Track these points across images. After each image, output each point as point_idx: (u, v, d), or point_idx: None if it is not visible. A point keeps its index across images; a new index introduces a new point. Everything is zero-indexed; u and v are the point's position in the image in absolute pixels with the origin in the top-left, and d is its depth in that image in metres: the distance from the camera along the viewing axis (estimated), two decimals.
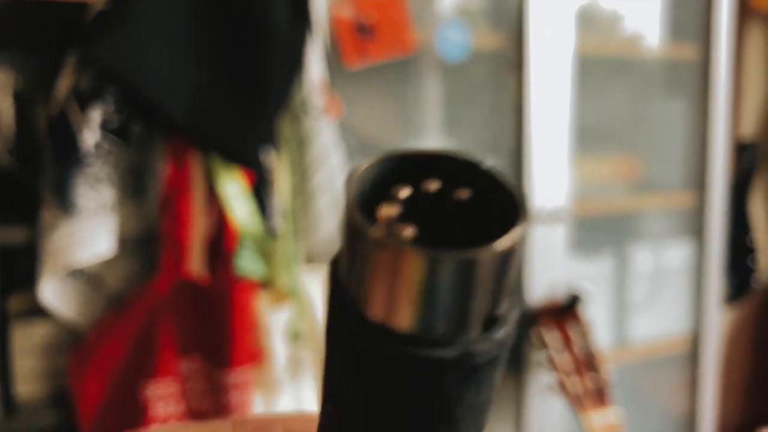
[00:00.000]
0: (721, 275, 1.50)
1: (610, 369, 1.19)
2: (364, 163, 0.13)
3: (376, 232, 0.12)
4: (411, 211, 0.14)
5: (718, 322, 1.52)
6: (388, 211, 0.13)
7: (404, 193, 0.14)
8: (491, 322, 0.14)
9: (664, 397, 1.57)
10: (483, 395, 0.14)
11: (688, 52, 1.45)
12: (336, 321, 0.13)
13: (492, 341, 0.14)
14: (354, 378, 0.13)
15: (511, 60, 1.21)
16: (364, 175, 0.13)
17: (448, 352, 0.13)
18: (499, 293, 0.13)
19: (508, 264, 0.13)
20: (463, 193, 0.14)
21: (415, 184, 0.14)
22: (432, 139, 1.21)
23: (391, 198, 0.14)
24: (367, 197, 0.13)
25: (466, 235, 0.14)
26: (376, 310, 0.13)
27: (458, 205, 0.14)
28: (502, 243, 0.13)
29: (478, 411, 0.15)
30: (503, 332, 0.14)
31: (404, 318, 0.13)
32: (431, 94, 1.19)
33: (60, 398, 0.91)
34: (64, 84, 0.82)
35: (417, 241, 0.13)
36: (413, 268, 0.12)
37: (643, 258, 1.45)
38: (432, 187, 0.14)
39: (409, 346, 0.13)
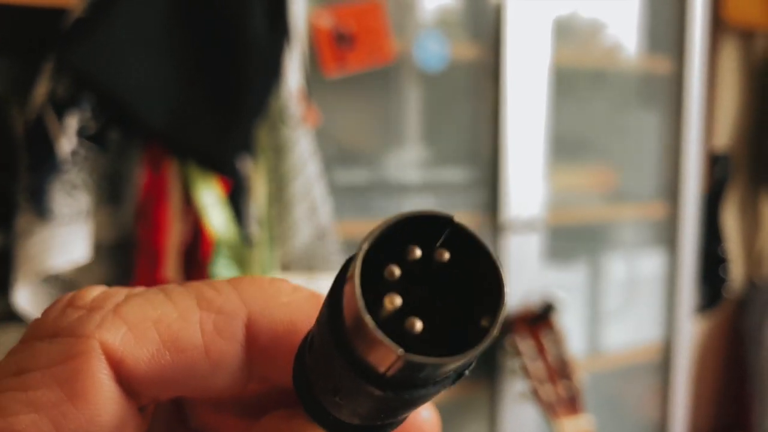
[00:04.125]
0: (693, 285, 1.52)
1: (582, 377, 1.20)
2: (357, 257, 0.15)
3: (384, 338, 0.14)
4: (401, 281, 0.15)
5: (690, 330, 1.54)
6: (391, 302, 0.15)
7: (396, 272, 0.15)
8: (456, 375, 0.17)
9: (637, 405, 1.59)
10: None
11: (663, 64, 1.47)
12: (333, 336, 0.16)
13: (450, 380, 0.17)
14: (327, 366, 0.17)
15: (488, 70, 1.23)
16: (358, 270, 0.15)
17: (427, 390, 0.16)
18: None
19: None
20: (443, 255, 0.16)
21: (401, 254, 0.15)
22: (410, 148, 1.22)
23: (386, 282, 0.15)
24: (363, 283, 0.15)
25: (450, 300, 0.16)
26: (363, 351, 0.15)
27: (441, 266, 0.16)
28: (482, 346, 0.15)
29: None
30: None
31: (385, 369, 0.15)
32: (410, 103, 1.20)
33: None
34: (40, 90, 0.82)
35: (422, 333, 0.15)
36: (414, 365, 0.15)
37: (616, 267, 1.47)
38: (415, 254, 0.15)
39: (382, 386, 0.16)
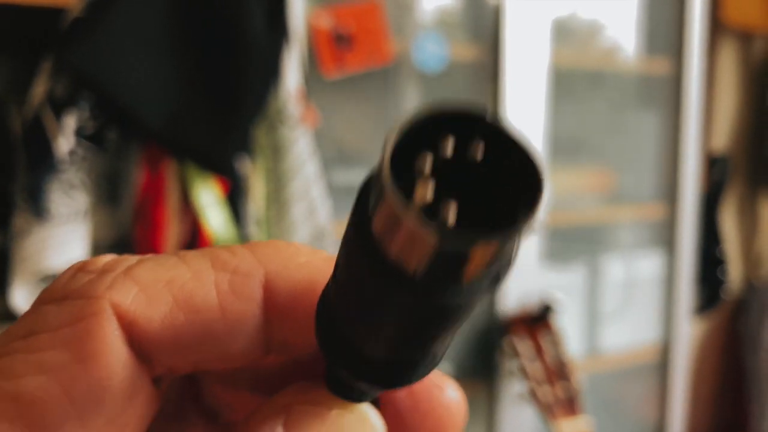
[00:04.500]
0: (691, 286, 1.52)
1: (581, 378, 1.20)
2: (390, 139, 0.14)
3: (418, 218, 0.13)
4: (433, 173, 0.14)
5: (688, 331, 1.54)
6: (423, 193, 0.14)
7: (428, 164, 0.14)
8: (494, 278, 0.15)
9: (635, 406, 1.59)
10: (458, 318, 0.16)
11: (662, 66, 1.47)
12: (356, 245, 0.15)
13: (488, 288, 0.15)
14: (358, 288, 0.16)
15: (487, 71, 1.23)
16: (392, 152, 0.14)
17: (449, 298, 0.15)
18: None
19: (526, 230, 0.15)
20: (477, 151, 0.15)
21: (434, 146, 0.14)
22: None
23: (417, 172, 0.14)
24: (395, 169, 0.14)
25: (485, 191, 0.15)
26: (393, 253, 0.14)
27: (475, 163, 0.15)
28: (528, 221, 0.14)
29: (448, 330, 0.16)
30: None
31: (416, 266, 0.14)
32: (408, 104, 1.20)
33: None
34: (39, 89, 0.82)
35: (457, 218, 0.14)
36: (452, 247, 0.14)
37: (615, 268, 1.47)
38: (447, 150, 0.14)
39: (416, 288, 0.15)
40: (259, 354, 0.17)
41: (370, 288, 0.15)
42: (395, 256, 0.14)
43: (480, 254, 0.14)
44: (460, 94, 1.25)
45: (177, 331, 0.16)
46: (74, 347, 0.15)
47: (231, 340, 0.17)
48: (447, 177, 0.14)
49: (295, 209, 0.94)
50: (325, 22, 1.04)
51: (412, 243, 0.14)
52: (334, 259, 0.17)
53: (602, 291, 1.46)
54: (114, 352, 0.16)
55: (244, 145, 0.88)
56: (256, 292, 0.17)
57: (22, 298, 0.83)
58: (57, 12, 0.84)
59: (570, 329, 1.31)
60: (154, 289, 0.16)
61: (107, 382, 0.16)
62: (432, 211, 0.14)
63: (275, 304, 0.17)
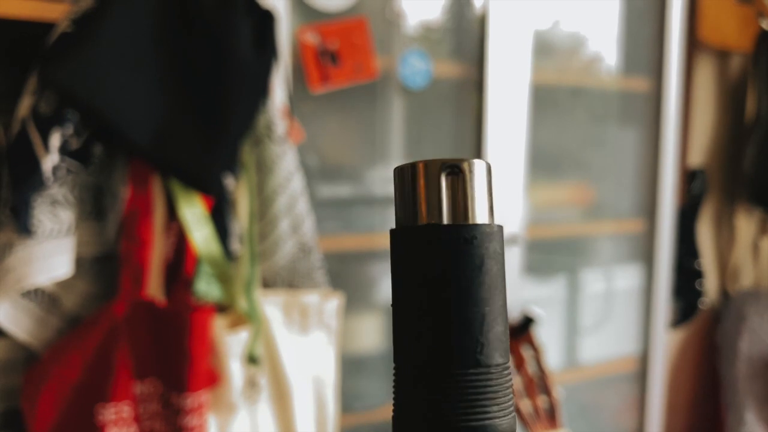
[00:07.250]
0: (668, 298, 1.55)
1: (561, 389, 1.22)
2: None
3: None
4: None
5: (666, 342, 1.57)
6: None
7: None
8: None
9: (613, 416, 1.61)
10: (493, 271, 0.22)
11: (641, 83, 1.50)
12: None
13: (490, 227, 0.22)
14: (411, 268, 0.22)
15: (470, 87, 1.24)
16: None
17: (465, 229, 0.22)
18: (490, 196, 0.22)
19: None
20: None
21: None
22: (393, 162, 1.23)
23: None
24: None
25: None
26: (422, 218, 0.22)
27: None
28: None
29: (492, 286, 0.22)
30: (496, 226, 0.22)
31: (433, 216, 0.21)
32: (393, 119, 1.21)
33: (12, 419, 0.90)
34: (24, 105, 0.82)
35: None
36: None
37: (594, 281, 1.49)
38: None
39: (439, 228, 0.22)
40: None
41: None
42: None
43: None
44: (444, 110, 1.27)
45: None
46: None
47: None
48: None
49: (280, 225, 0.95)
50: (312, 38, 1.05)
51: None
52: None
53: (582, 304, 1.48)
54: None
55: (230, 163, 0.88)
56: None
57: (4, 313, 0.83)
58: (45, 25, 0.84)
59: (550, 341, 1.32)
60: None
61: None
62: None
63: None
